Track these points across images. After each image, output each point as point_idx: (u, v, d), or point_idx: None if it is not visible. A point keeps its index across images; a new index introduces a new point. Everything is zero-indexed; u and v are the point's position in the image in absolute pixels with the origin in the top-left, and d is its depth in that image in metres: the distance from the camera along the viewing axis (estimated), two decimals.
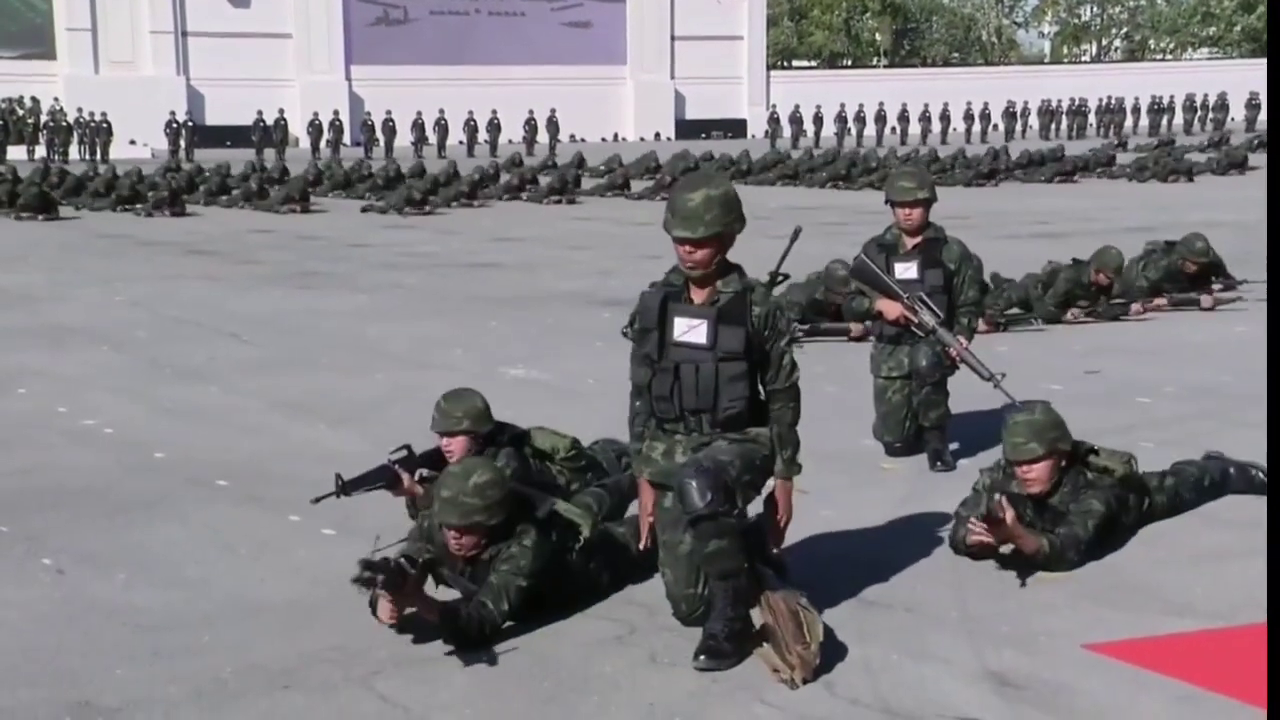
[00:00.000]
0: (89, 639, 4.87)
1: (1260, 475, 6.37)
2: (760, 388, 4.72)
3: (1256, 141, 42.33)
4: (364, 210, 25.99)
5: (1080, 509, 5.48)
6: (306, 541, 5.97)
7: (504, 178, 31.46)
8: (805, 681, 4.34)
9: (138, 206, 26.19)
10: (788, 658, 4.37)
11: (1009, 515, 5.25)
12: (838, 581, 5.31)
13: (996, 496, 5.35)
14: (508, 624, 4.75)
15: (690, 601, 4.72)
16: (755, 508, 4.78)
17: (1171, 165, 32.77)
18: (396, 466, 5.60)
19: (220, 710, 4.26)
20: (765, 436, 4.72)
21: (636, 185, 31.07)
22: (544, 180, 30.45)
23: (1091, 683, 4.35)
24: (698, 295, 4.71)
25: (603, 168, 35.12)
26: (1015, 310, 11.44)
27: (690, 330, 4.66)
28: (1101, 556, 5.54)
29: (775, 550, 4.80)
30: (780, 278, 5.06)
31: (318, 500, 5.62)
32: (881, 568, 5.48)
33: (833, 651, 4.57)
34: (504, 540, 4.78)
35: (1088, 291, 11.60)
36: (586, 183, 31.12)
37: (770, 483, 4.74)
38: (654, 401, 4.71)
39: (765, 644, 4.45)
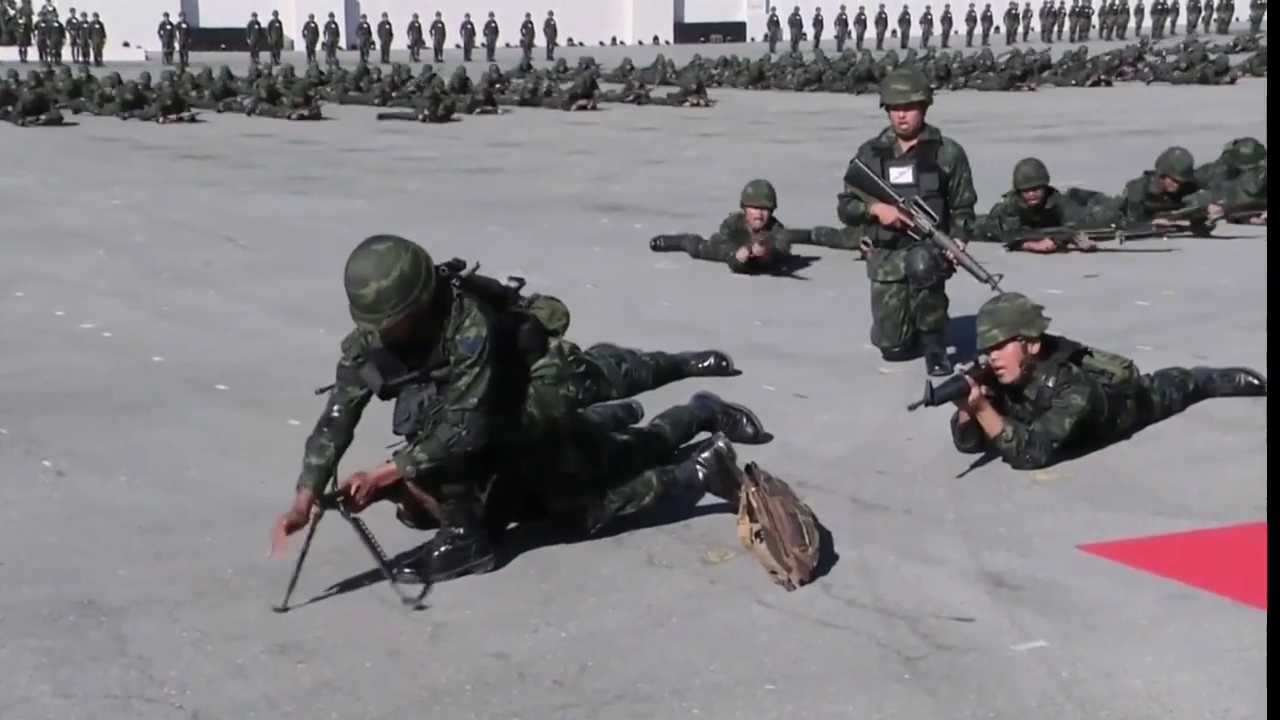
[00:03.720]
0: (91, 539, 4.90)
1: (1245, 378, 6.38)
2: None
3: None
4: (380, 118, 25.56)
5: (1061, 404, 5.50)
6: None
7: (514, 83, 31.22)
8: (803, 583, 4.37)
9: (142, 110, 25.90)
10: (785, 559, 4.39)
11: (975, 389, 5.35)
12: (836, 484, 5.33)
13: (972, 363, 5.49)
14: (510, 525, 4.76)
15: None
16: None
17: (1215, 67, 32.71)
18: None
19: (222, 610, 4.29)
20: None
21: (659, 91, 30.71)
22: (565, 86, 30.19)
23: (1085, 582, 4.38)
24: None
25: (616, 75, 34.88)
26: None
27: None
28: (1087, 454, 5.57)
29: None
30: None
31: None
32: (879, 470, 5.50)
33: (830, 553, 4.60)
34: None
35: (1162, 200, 11.11)
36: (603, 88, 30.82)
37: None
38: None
39: (762, 545, 4.48)
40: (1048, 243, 10.25)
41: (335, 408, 4.57)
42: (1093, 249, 10.22)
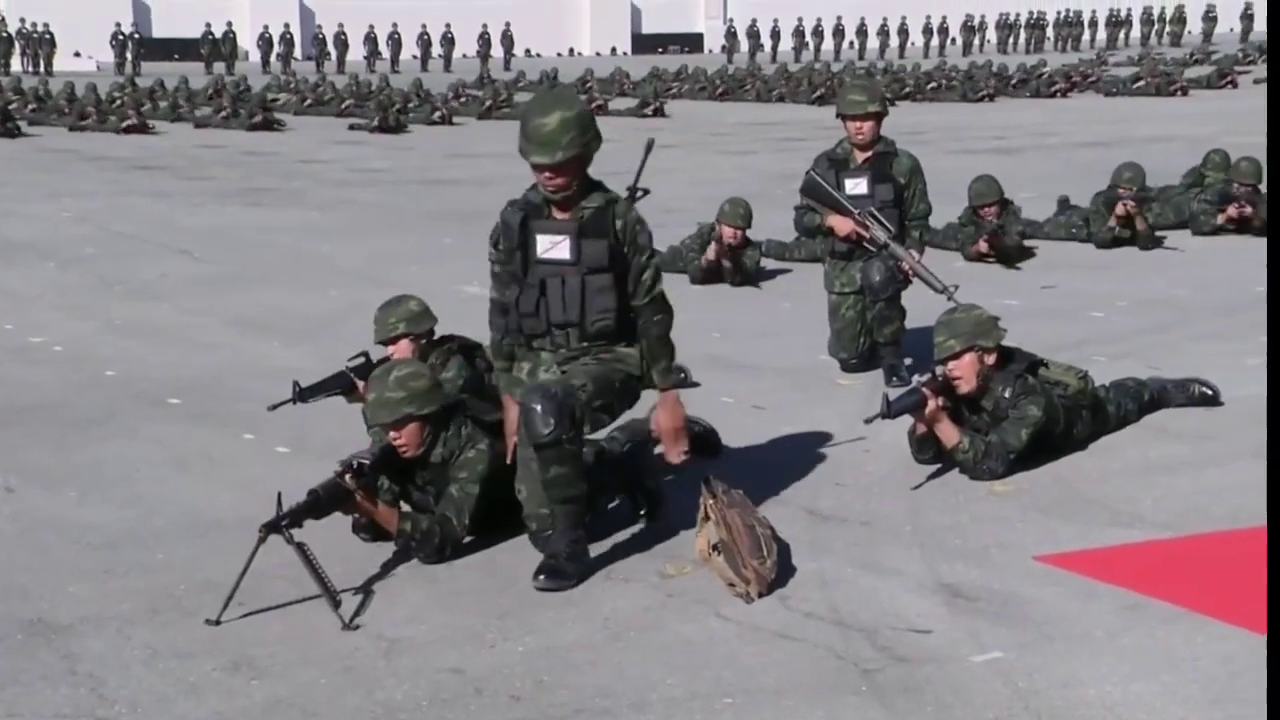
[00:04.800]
0: (40, 556, 4.84)
1: (1199, 389, 6.44)
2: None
3: (1243, 54, 43.39)
4: (351, 128, 25.53)
5: (1017, 415, 5.53)
6: (260, 459, 5.95)
7: (471, 95, 31.15)
8: (761, 595, 4.37)
9: (88, 122, 25.71)
10: (743, 572, 4.39)
11: (932, 401, 5.37)
12: (793, 496, 5.34)
13: (929, 374, 5.52)
14: (466, 539, 4.76)
15: (540, 520, 4.72)
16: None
17: (1169, 79, 33.18)
18: (352, 374, 5.60)
19: (174, 627, 4.25)
20: (634, 357, 4.71)
21: (616, 104, 30.65)
22: (520, 99, 30.15)
23: (1042, 593, 4.40)
24: (559, 212, 4.66)
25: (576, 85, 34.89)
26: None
27: (554, 247, 4.61)
28: (1043, 465, 5.60)
29: (678, 459, 4.78)
30: (640, 192, 4.99)
31: (275, 407, 5.64)
32: (837, 483, 5.51)
33: (788, 565, 4.60)
34: (448, 433, 4.75)
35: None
36: None
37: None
38: (521, 319, 4.70)
39: (720, 558, 4.48)
40: (983, 244, 10.27)
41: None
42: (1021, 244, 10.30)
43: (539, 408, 4.43)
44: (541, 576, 4.49)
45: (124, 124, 24.92)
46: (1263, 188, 11.16)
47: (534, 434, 4.44)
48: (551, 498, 4.56)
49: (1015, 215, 10.74)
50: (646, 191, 5.05)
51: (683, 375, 6.98)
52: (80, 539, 5.01)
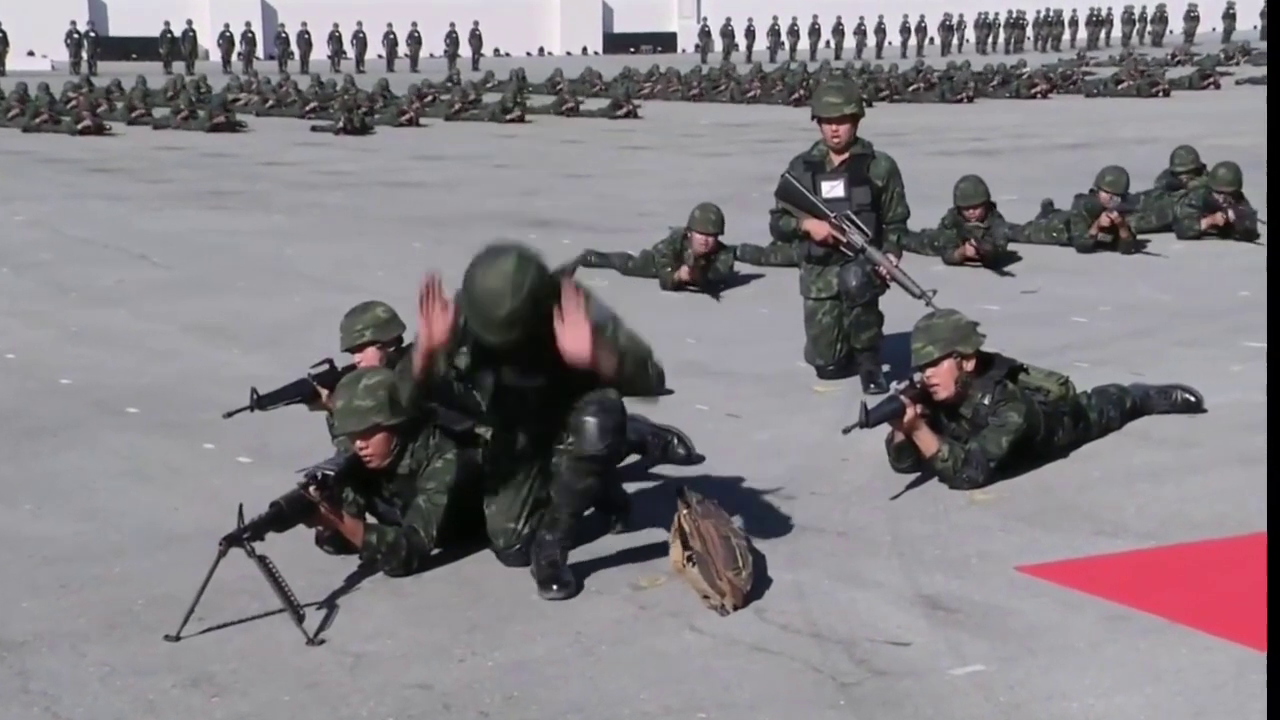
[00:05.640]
0: None
1: (1182, 395, 6.47)
2: None
3: (1225, 54, 43.90)
4: (315, 129, 25.48)
5: (998, 422, 5.55)
6: (221, 469, 5.92)
7: (440, 99, 31.05)
8: (736, 608, 4.37)
9: (40, 121, 25.59)
10: (718, 583, 4.39)
11: (911, 409, 5.38)
12: (770, 506, 5.35)
13: (907, 381, 5.52)
14: (434, 551, 4.75)
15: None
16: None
17: (1151, 80, 33.41)
18: (315, 381, 5.57)
19: (132, 643, 4.23)
20: None
21: (588, 104, 30.62)
22: (489, 99, 30.10)
23: (1023, 604, 4.42)
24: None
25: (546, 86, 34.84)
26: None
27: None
28: (1024, 473, 5.62)
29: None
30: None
31: (231, 414, 5.62)
32: (814, 492, 5.52)
33: (764, 577, 4.61)
34: (415, 444, 4.75)
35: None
36: (531, 101, 30.68)
37: None
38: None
39: (695, 570, 4.48)
40: (969, 248, 10.30)
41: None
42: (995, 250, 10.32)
43: (598, 421, 4.44)
44: (554, 587, 4.52)
45: (79, 125, 24.79)
46: (1246, 192, 11.27)
47: (591, 445, 4.45)
48: (570, 506, 4.59)
49: (1001, 218, 10.78)
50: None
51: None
52: (35, 553, 4.98)
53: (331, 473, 4.60)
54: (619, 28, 64.63)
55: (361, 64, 49.92)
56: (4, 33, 48.09)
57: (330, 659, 4.12)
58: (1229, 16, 60.40)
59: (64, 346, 8.36)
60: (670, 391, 6.91)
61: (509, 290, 4.27)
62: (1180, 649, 4.08)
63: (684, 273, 9.60)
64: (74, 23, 49.50)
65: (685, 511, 4.59)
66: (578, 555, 4.82)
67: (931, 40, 60.92)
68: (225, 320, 8.98)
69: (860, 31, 59.05)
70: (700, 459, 5.86)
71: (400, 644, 4.21)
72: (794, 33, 57.67)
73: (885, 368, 7.13)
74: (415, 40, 52.19)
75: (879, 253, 6.94)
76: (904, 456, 5.59)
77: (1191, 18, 61.37)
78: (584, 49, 61.46)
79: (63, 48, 48.98)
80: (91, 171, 18.82)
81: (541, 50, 61.20)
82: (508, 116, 27.49)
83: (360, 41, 51.76)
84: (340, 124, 24.67)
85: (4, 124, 26.82)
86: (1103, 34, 64.62)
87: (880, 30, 58.82)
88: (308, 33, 50.53)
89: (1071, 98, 33.57)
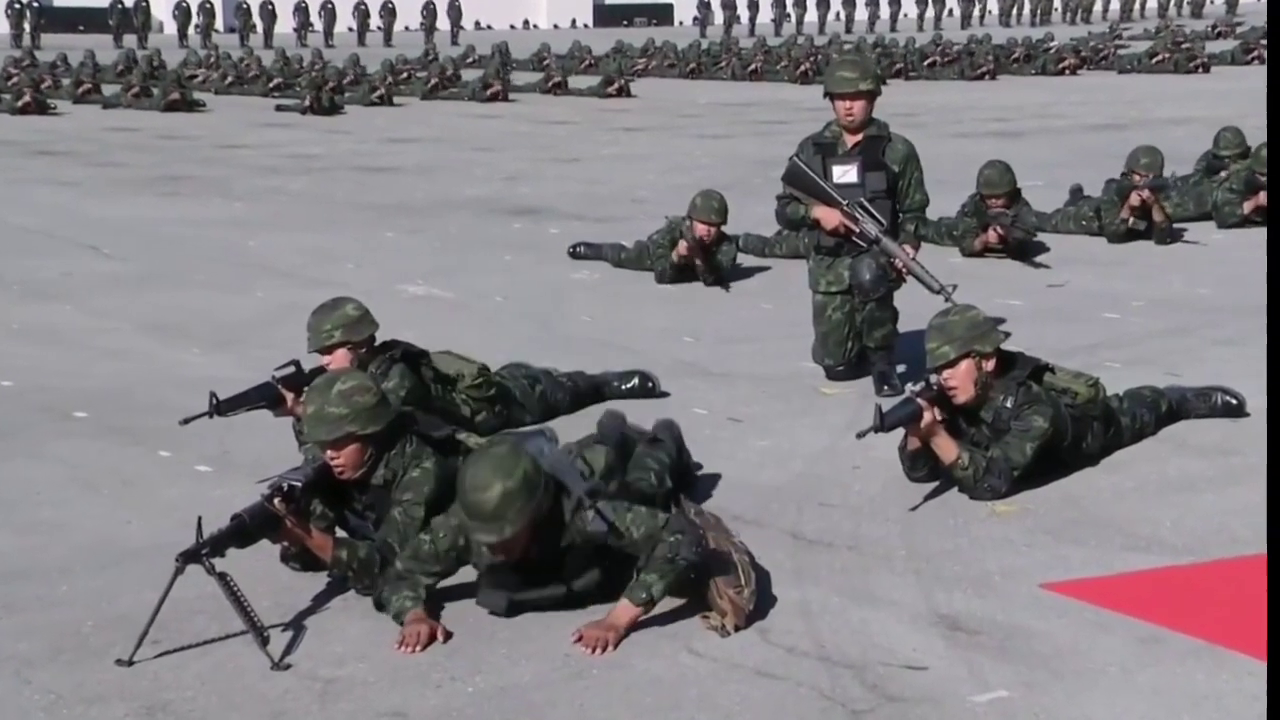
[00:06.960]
0: None
1: (1223, 398, 6.47)
2: None
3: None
4: (279, 109, 25.49)
5: (1021, 427, 5.55)
6: (177, 479, 5.93)
7: (416, 76, 31.07)
8: (738, 628, 4.38)
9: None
10: (719, 602, 4.41)
11: (928, 412, 5.38)
12: (774, 518, 5.36)
13: (923, 383, 5.54)
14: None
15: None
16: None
17: (1190, 54, 33.41)
18: (279, 385, 5.57)
19: (80, 668, 4.23)
20: None
21: (577, 82, 30.62)
22: (469, 76, 30.08)
23: (1050, 625, 4.43)
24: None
25: (532, 62, 34.83)
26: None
27: None
28: (1050, 482, 5.64)
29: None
30: None
31: (188, 420, 5.62)
32: (822, 503, 5.53)
33: (768, 594, 4.62)
34: (391, 452, 4.74)
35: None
36: (515, 79, 30.68)
37: None
38: None
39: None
40: (992, 234, 10.29)
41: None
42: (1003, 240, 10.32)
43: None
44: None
45: (19, 103, 24.77)
46: None
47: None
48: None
49: (1027, 205, 10.80)
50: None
51: (650, 384, 7.01)
52: None
53: (298, 483, 4.60)
54: None
55: (330, 38, 49.90)
56: None
57: (297, 685, 4.13)
58: None
59: (5, 345, 8.37)
60: (667, 394, 6.97)
61: (503, 471, 4.31)
62: (1220, 674, 4.09)
63: (682, 248, 9.53)
64: None
65: None
66: None
67: (950, 11, 60.93)
68: (182, 317, 8.98)
69: (873, 2, 59.03)
70: (699, 467, 5.86)
71: (373, 668, 4.22)
72: (801, 4, 57.63)
73: (900, 368, 7.15)
74: (389, 11, 52.14)
75: (894, 244, 6.95)
76: (920, 464, 5.60)
77: None
78: (572, 22, 61.45)
79: (3, 19, 48.90)
80: (35, 154, 18.82)
81: (526, 23, 61.22)
82: (489, 95, 27.50)
83: (329, 13, 51.73)
84: (307, 103, 24.67)
85: None
86: (1137, 4, 64.72)
87: (895, 1, 58.81)
88: (271, 3, 50.50)
89: (1102, 74, 33.65)
